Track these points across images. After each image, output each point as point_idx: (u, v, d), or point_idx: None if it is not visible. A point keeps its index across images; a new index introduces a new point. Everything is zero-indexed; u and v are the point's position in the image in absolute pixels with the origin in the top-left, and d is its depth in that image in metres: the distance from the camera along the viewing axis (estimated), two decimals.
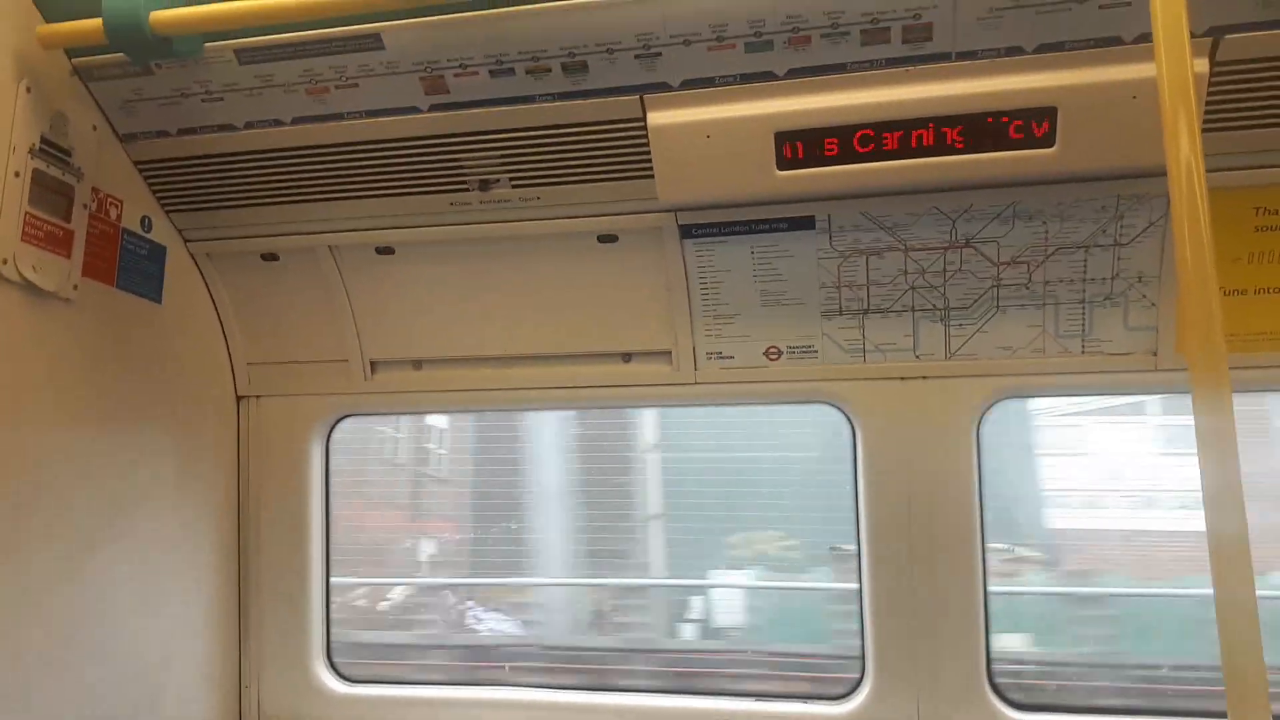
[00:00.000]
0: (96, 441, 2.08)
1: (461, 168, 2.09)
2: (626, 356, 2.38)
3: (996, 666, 2.25)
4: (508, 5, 1.77)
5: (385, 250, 2.32)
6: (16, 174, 1.80)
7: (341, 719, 2.51)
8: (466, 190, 2.13)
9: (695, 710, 2.41)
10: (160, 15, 1.74)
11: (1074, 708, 2.35)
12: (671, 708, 2.44)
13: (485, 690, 2.55)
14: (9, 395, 1.82)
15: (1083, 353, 2.11)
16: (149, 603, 2.24)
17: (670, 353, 2.33)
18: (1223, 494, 1.16)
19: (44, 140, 1.87)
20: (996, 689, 2.23)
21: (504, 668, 4.55)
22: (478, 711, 2.48)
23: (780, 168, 1.91)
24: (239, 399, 2.58)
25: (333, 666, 2.60)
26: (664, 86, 1.87)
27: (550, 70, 1.86)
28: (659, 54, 1.81)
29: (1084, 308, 2.09)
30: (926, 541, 2.24)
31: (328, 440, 2.62)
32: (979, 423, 2.23)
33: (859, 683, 2.30)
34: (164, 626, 2.30)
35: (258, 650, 2.57)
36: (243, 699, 2.57)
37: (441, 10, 1.79)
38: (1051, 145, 1.80)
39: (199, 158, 2.15)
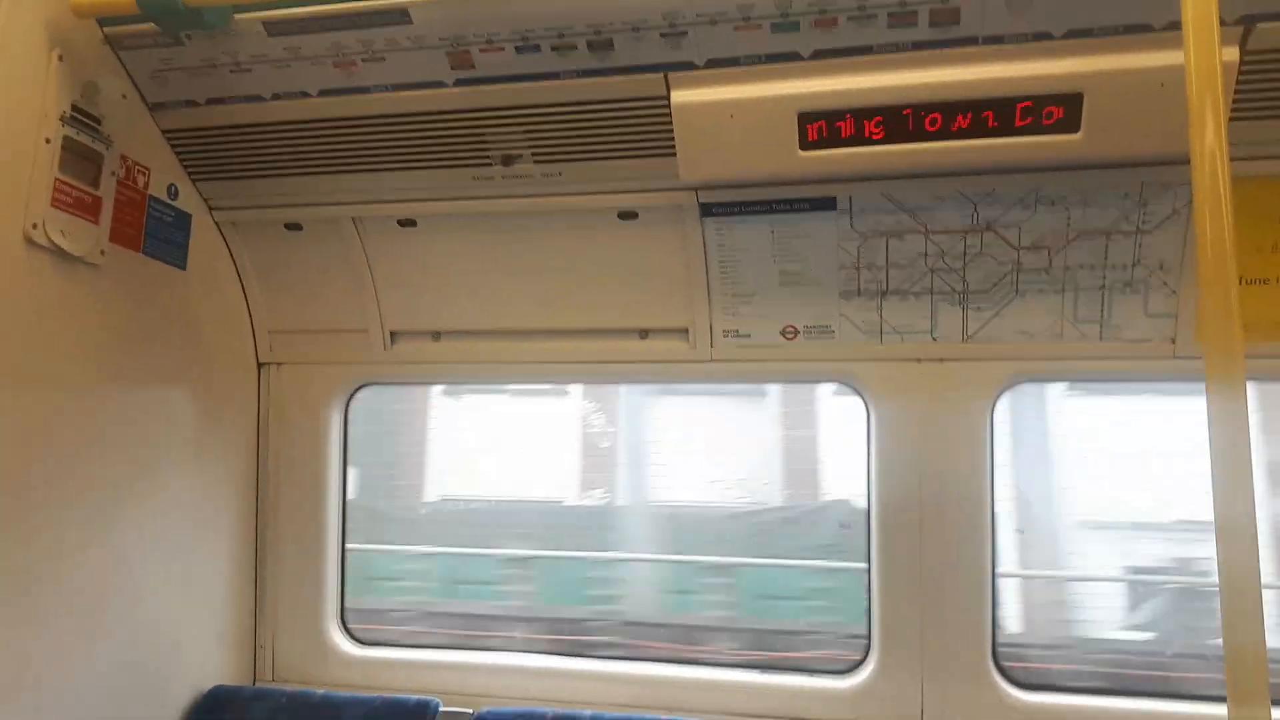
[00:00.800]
0: (121, 405, 2.12)
1: (485, 142, 2.10)
2: (643, 333, 2.40)
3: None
4: None
5: (407, 223, 2.34)
6: (47, 140, 1.83)
7: (354, 680, 2.57)
8: (489, 165, 2.14)
9: (697, 680, 2.44)
10: None
11: (1078, 688, 2.37)
12: (672, 677, 2.46)
13: (490, 655, 2.60)
14: (38, 357, 1.87)
15: (1101, 339, 2.11)
16: (169, 564, 2.29)
17: (687, 330, 2.35)
18: (1232, 482, 1.17)
19: (75, 108, 1.90)
20: (1002, 669, 2.26)
21: None
22: (485, 676, 2.53)
23: (803, 148, 1.91)
24: (260, 365, 2.62)
25: (346, 629, 2.65)
26: (689, 65, 1.87)
27: (575, 47, 1.87)
28: (684, 32, 1.81)
29: (1104, 293, 2.08)
30: (936, 523, 2.26)
31: (346, 408, 2.66)
32: (994, 406, 2.24)
33: (864, 658, 2.34)
34: (183, 588, 2.35)
35: (273, 612, 2.63)
36: (258, 659, 2.63)
37: None
38: (1077, 131, 1.79)
39: (226, 127, 2.17)
